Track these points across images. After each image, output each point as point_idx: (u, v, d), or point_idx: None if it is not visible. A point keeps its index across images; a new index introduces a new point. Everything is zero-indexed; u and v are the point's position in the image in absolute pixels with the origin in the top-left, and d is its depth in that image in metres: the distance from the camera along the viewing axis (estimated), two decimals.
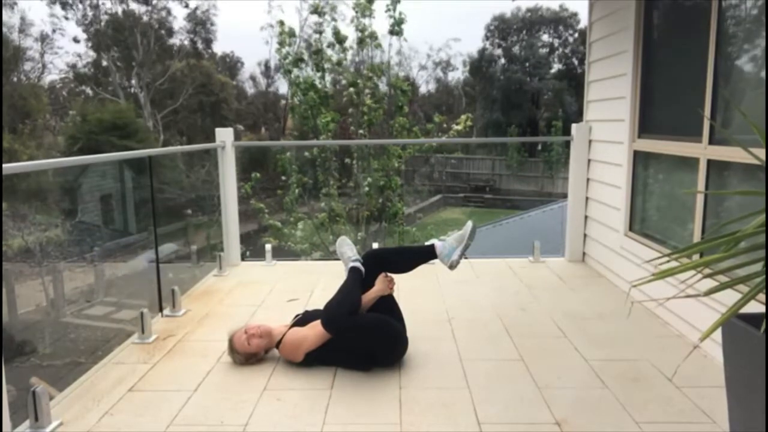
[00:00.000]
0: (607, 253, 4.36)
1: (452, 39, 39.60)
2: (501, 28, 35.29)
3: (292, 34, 11.10)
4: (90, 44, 29.96)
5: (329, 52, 10.95)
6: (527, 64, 34.26)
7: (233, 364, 2.88)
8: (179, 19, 32.39)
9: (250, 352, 2.84)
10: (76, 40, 29.75)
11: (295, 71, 10.86)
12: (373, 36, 10.89)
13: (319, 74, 10.90)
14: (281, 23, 10.89)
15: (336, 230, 10.49)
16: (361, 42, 10.95)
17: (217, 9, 35.27)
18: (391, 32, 10.96)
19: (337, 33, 10.83)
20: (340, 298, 2.82)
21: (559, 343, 3.12)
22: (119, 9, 29.22)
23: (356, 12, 10.70)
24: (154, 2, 29.64)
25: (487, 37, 35.52)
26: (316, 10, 10.87)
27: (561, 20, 34.76)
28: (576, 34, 34.02)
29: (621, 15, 4.09)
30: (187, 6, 31.01)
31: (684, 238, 3.42)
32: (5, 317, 8.89)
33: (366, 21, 10.78)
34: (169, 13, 30.91)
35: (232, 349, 2.87)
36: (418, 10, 11.37)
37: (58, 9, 28.81)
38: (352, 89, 10.73)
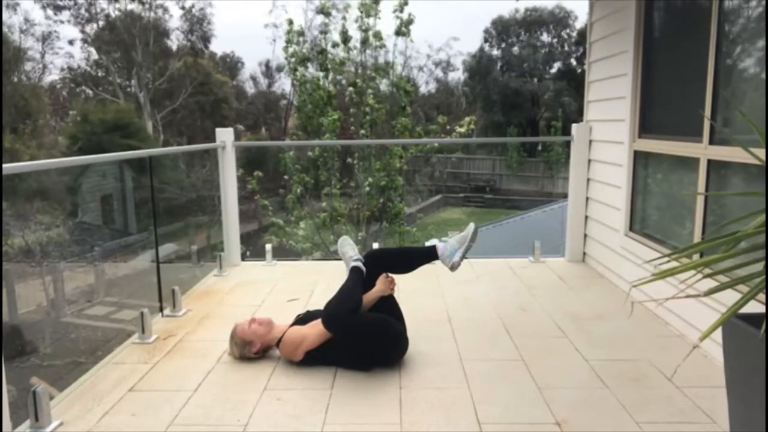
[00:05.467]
0: (608, 253, 4.36)
1: (452, 38, 39.58)
2: (500, 29, 35.26)
3: (301, 33, 11.12)
4: (89, 45, 29.98)
5: (334, 51, 10.97)
6: (526, 65, 34.24)
7: (233, 364, 2.88)
8: (176, 18, 32.37)
9: (247, 339, 2.86)
10: (71, 43, 29.82)
11: (301, 70, 10.88)
12: (377, 36, 10.91)
13: (323, 74, 10.93)
14: (290, 22, 10.90)
15: (337, 230, 10.50)
16: (365, 42, 10.97)
17: (213, 7, 35.25)
18: (398, 33, 10.98)
19: (344, 33, 10.85)
20: (341, 297, 2.82)
21: (559, 343, 3.12)
22: (118, 9, 29.23)
23: (361, 12, 10.72)
24: (150, 1, 29.60)
25: (486, 39, 35.52)
26: (322, 11, 10.90)
27: (559, 20, 34.74)
28: (575, 34, 34.00)
29: (621, 15, 4.09)
30: (183, 8, 31.04)
31: (684, 238, 3.42)
32: (5, 317, 8.90)
33: (370, 21, 10.81)
34: (166, 11, 30.91)
35: (232, 336, 2.91)
36: (418, 10, 11.37)
37: (51, 12, 28.81)
38: (352, 89, 10.74)
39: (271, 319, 2.95)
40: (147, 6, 29.56)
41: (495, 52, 35.65)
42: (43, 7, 28.06)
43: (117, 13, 28.99)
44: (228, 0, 37.18)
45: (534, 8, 34.06)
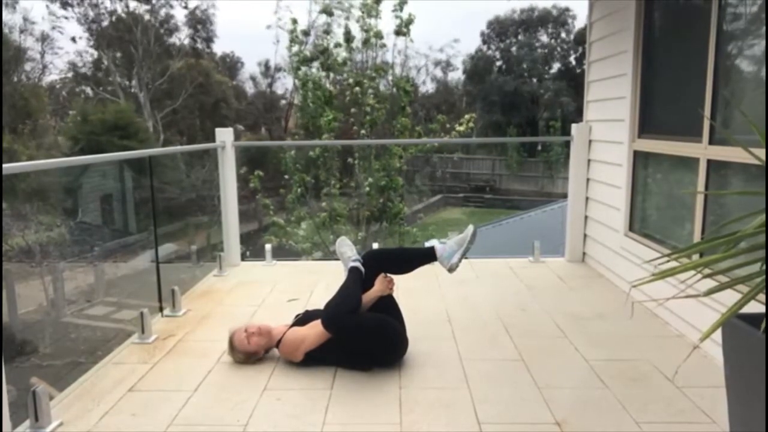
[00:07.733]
0: (607, 253, 4.36)
1: (453, 40, 39.75)
2: (498, 29, 35.27)
3: (306, 33, 11.14)
4: (91, 44, 29.96)
5: (336, 51, 10.99)
6: (525, 65, 34.24)
7: (233, 364, 2.88)
8: (179, 18, 32.23)
9: (250, 351, 2.85)
10: (74, 40, 29.70)
11: (303, 69, 10.90)
12: (378, 36, 10.92)
13: (324, 74, 10.94)
14: (294, 21, 10.91)
15: (337, 230, 10.51)
16: (366, 42, 10.98)
17: (217, 8, 35.15)
18: (398, 33, 10.98)
19: (347, 33, 10.86)
20: (340, 297, 2.82)
21: (559, 343, 3.12)
22: (119, 8, 29.21)
23: (363, 12, 10.73)
24: (154, 1, 29.60)
25: (484, 40, 35.51)
26: (325, 10, 10.91)
27: (558, 19, 34.74)
28: (573, 34, 33.99)
29: (621, 15, 4.09)
30: (186, 7, 30.97)
31: (684, 238, 3.42)
32: (5, 317, 8.90)
33: (372, 21, 10.82)
34: (170, 8, 30.83)
35: (232, 347, 2.88)
36: (417, 10, 11.38)
37: (57, 8, 28.75)
38: (359, 89, 10.74)
39: (268, 324, 2.95)
40: (150, 6, 29.55)
41: (494, 52, 35.66)
42: (50, 2, 27.96)
43: (122, 12, 28.98)
44: (230, 0, 37.20)
45: (532, 8, 34.12)
